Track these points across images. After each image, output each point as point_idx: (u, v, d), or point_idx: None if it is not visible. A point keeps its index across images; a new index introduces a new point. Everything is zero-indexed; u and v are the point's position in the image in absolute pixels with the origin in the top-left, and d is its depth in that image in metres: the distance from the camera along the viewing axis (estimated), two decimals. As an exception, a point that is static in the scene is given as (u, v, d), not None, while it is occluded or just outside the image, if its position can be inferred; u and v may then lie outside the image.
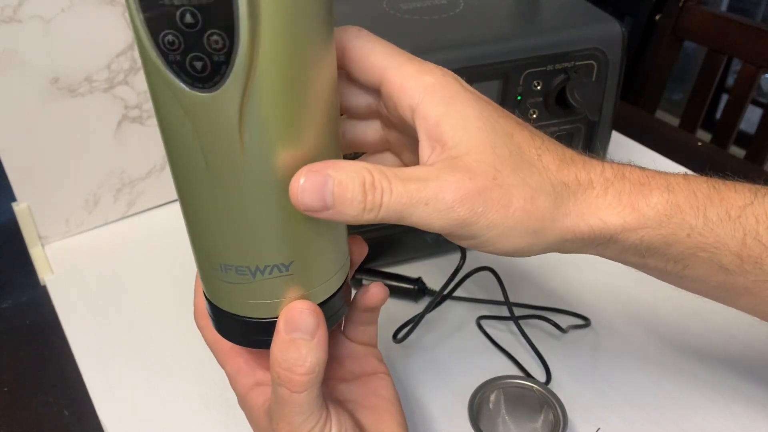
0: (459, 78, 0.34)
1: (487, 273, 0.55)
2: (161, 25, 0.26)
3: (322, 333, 0.33)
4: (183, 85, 0.27)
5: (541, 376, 0.52)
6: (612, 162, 0.36)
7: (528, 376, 0.52)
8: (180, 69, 0.27)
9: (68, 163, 0.64)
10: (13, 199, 0.63)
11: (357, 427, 0.37)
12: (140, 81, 0.63)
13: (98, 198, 0.67)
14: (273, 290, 0.32)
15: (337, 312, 0.36)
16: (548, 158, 0.33)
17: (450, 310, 0.58)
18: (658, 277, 0.39)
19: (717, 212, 0.35)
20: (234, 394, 0.47)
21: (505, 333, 0.56)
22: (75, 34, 0.58)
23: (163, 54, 0.26)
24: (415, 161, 0.34)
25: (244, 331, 0.34)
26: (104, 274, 0.63)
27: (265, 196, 0.30)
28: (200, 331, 0.39)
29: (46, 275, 0.63)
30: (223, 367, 0.39)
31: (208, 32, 0.26)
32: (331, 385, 0.40)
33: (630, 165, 0.36)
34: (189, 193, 0.31)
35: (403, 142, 0.37)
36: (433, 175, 0.31)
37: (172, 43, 0.26)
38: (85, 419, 0.51)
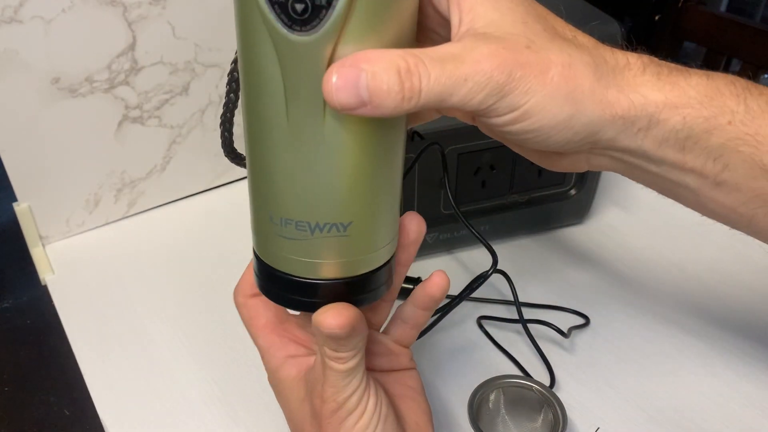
0: None
1: (478, 272, 0.55)
2: None
3: (360, 329, 0.34)
4: (281, 27, 0.27)
5: (544, 379, 0.52)
6: (650, 55, 0.35)
7: (528, 376, 0.52)
8: (281, 10, 0.27)
9: (69, 164, 0.64)
10: (14, 199, 0.63)
11: (388, 401, 0.38)
12: (140, 81, 0.63)
13: (99, 198, 0.67)
14: (327, 250, 0.33)
15: (380, 287, 0.36)
16: (583, 39, 0.33)
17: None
18: (694, 190, 0.35)
19: (758, 103, 0.33)
20: (235, 392, 0.48)
21: (505, 333, 0.56)
22: (75, 35, 0.58)
23: None
24: None
25: (291, 290, 0.35)
26: (105, 274, 0.63)
27: (340, 149, 0.30)
28: (238, 308, 0.40)
29: (46, 275, 0.63)
30: (255, 342, 0.40)
31: None
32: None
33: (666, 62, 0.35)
34: (263, 142, 0.31)
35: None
36: (466, 50, 0.30)
37: None
38: (85, 418, 0.51)
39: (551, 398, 0.46)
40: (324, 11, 0.27)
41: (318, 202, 0.32)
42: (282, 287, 0.35)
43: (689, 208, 0.37)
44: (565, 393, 0.48)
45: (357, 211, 0.32)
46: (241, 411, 0.50)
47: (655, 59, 0.34)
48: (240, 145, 0.37)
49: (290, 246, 0.33)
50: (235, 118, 0.38)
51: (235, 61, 0.36)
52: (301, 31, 0.27)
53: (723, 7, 1.98)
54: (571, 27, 0.34)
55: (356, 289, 0.35)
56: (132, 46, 0.61)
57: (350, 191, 0.32)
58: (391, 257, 0.36)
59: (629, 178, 0.37)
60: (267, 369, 0.40)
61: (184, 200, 0.73)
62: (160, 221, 0.70)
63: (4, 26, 0.55)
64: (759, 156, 0.33)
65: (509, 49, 0.30)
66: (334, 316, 0.33)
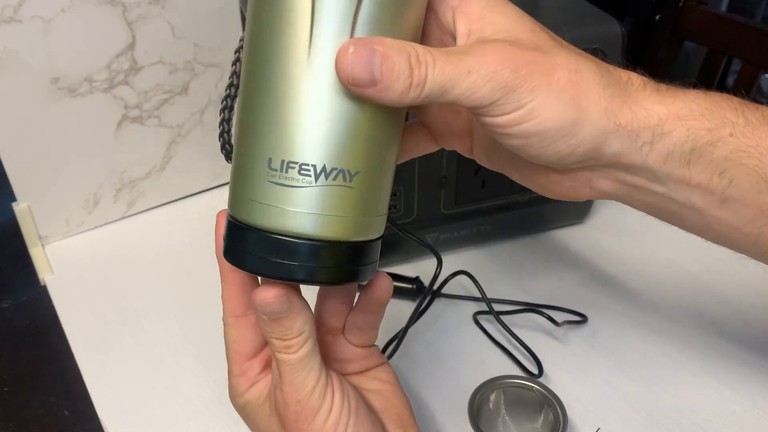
0: None
1: (478, 272, 0.55)
2: None
3: (296, 304, 0.33)
4: None
5: (536, 371, 0.52)
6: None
7: (523, 369, 0.52)
8: None
9: (68, 163, 0.64)
10: (13, 199, 0.63)
11: (359, 395, 0.37)
12: (140, 81, 0.63)
13: (98, 198, 0.67)
14: (330, 200, 0.31)
15: (375, 262, 0.34)
16: (587, 55, 0.33)
17: (447, 308, 0.58)
18: (699, 209, 0.35)
19: (755, 116, 0.34)
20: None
21: (503, 331, 0.56)
22: (75, 34, 0.58)
23: None
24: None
25: (280, 252, 0.31)
26: (104, 274, 0.63)
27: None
28: (225, 327, 0.37)
29: (46, 275, 0.63)
30: (229, 364, 0.38)
31: None
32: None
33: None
34: (273, 76, 0.30)
35: None
36: (473, 48, 0.30)
37: None
38: (85, 419, 0.51)
39: (551, 398, 0.46)
40: None
41: (330, 142, 0.30)
42: (268, 250, 0.31)
43: (693, 233, 0.37)
44: (565, 393, 0.48)
45: (366, 160, 0.31)
46: (240, 411, 0.50)
47: (653, 80, 0.35)
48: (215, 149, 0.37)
49: (288, 195, 0.30)
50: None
51: (238, 50, 0.35)
52: None
53: (723, 7, 1.98)
54: (574, 47, 0.34)
55: (355, 257, 0.32)
56: (131, 46, 0.61)
57: (365, 135, 0.31)
58: (382, 233, 0.34)
59: (633, 206, 0.37)
60: (232, 391, 0.38)
61: (184, 200, 0.73)
62: (159, 221, 0.70)
63: (4, 26, 0.55)
64: (763, 169, 0.33)
65: (516, 47, 0.30)
66: (268, 289, 0.32)
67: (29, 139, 0.61)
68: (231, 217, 0.33)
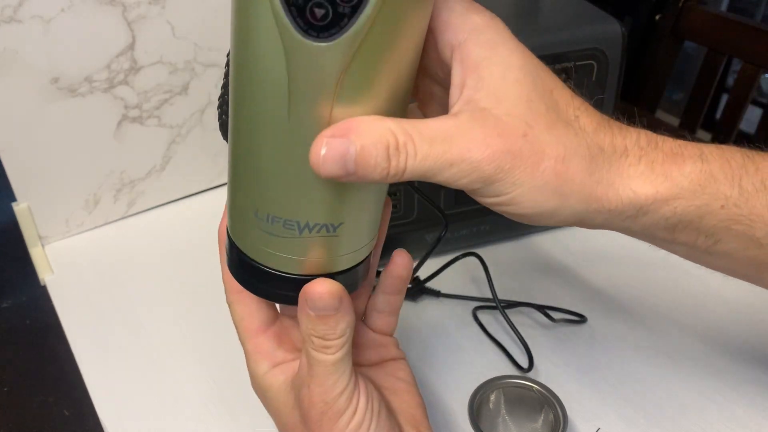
0: (504, 24, 0.32)
1: (479, 265, 0.55)
2: None
3: (345, 304, 0.33)
4: (295, 31, 0.26)
5: (527, 365, 0.52)
6: (647, 130, 0.34)
7: (515, 363, 0.52)
8: (298, 13, 0.25)
9: (68, 163, 0.64)
10: (13, 199, 0.63)
11: (381, 396, 0.38)
12: (140, 81, 0.63)
13: (98, 198, 0.67)
14: (313, 248, 0.32)
15: (360, 280, 0.36)
16: (585, 120, 0.32)
17: (446, 307, 0.58)
18: (684, 256, 0.37)
19: (752, 182, 0.33)
20: (235, 392, 0.47)
21: (504, 326, 0.56)
22: (75, 34, 0.58)
23: None
24: (441, 114, 0.34)
25: (273, 284, 0.34)
26: (104, 274, 0.63)
27: None
28: (229, 305, 0.38)
29: (46, 275, 0.63)
30: (243, 344, 0.39)
31: None
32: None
33: (663, 135, 0.35)
34: (256, 138, 0.30)
35: (431, 91, 0.35)
36: (459, 130, 0.29)
37: None
38: (85, 419, 0.51)
39: (552, 398, 0.46)
40: (346, 20, 0.25)
41: (310, 203, 0.31)
42: (260, 279, 0.34)
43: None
44: (565, 393, 0.48)
45: (349, 212, 0.32)
46: (241, 411, 0.50)
47: (653, 138, 0.34)
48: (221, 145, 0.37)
49: (275, 242, 0.32)
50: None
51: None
52: (318, 37, 0.26)
53: (723, 7, 1.98)
54: (576, 101, 0.33)
55: (341, 282, 0.34)
56: (131, 46, 0.61)
57: (346, 193, 0.31)
58: (372, 249, 0.36)
59: None
60: (251, 374, 0.39)
61: (184, 200, 0.73)
62: (159, 221, 0.70)
63: (4, 26, 0.55)
64: (752, 231, 0.34)
65: (504, 136, 0.29)
66: (323, 284, 0.32)
67: (29, 139, 0.61)
68: (230, 239, 0.35)
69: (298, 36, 0.26)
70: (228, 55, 0.33)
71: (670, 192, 0.33)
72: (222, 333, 0.56)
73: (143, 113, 0.65)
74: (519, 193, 0.30)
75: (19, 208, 0.63)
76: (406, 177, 0.29)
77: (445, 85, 0.32)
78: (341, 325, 0.33)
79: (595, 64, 0.56)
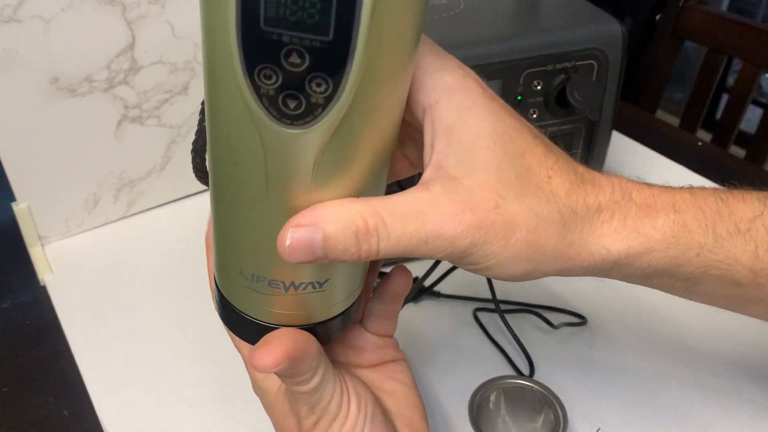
0: (479, 79, 0.32)
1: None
2: (261, 56, 0.24)
3: (301, 359, 0.32)
4: (268, 119, 0.25)
5: (535, 372, 0.52)
6: (621, 179, 0.34)
7: (515, 369, 0.52)
8: (270, 103, 0.25)
9: (68, 163, 0.64)
10: (13, 199, 0.63)
11: (376, 400, 0.37)
12: (140, 81, 0.63)
13: (98, 198, 0.67)
14: (300, 304, 0.32)
15: (349, 321, 0.36)
16: (558, 181, 0.32)
17: (447, 308, 0.58)
18: (664, 291, 0.38)
19: (726, 227, 0.34)
20: (235, 392, 0.47)
21: (503, 328, 0.56)
22: (75, 34, 0.58)
23: (255, 86, 0.24)
24: (418, 155, 0.33)
25: (257, 332, 0.34)
26: (104, 274, 0.63)
27: None
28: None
29: (45, 275, 0.63)
30: (239, 351, 0.39)
31: (312, 75, 0.24)
32: (349, 371, 0.40)
33: (639, 183, 0.35)
34: (237, 209, 0.30)
35: (408, 133, 0.35)
36: (431, 206, 0.29)
37: (269, 77, 0.24)
38: (85, 419, 0.51)
39: (551, 398, 0.46)
40: (320, 109, 0.25)
41: (296, 266, 0.30)
42: (248, 329, 0.34)
43: None
44: (565, 393, 0.48)
45: (335, 270, 0.32)
46: (241, 411, 0.50)
47: (627, 189, 0.34)
48: None
49: (261, 299, 0.32)
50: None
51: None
52: (291, 125, 0.25)
53: (723, 7, 1.98)
54: (550, 160, 0.32)
55: (328, 329, 0.34)
56: (131, 46, 0.61)
57: None
58: (362, 291, 0.36)
59: None
60: (250, 378, 0.39)
61: (184, 200, 0.72)
62: (159, 221, 0.70)
63: (3, 26, 0.55)
64: (730, 274, 0.34)
65: (475, 211, 0.29)
66: (264, 354, 0.31)
67: (29, 139, 0.61)
68: (217, 286, 0.35)
69: (271, 123, 0.25)
70: (202, 103, 0.32)
71: (643, 247, 0.33)
72: (222, 333, 0.56)
73: (143, 113, 0.65)
74: (492, 263, 0.31)
75: (19, 208, 0.63)
76: (382, 256, 0.29)
77: (420, 132, 0.32)
78: (303, 369, 0.33)
79: (595, 64, 0.56)
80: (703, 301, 0.38)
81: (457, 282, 0.60)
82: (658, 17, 1.27)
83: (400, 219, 0.29)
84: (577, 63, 0.55)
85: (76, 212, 0.67)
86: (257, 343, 0.32)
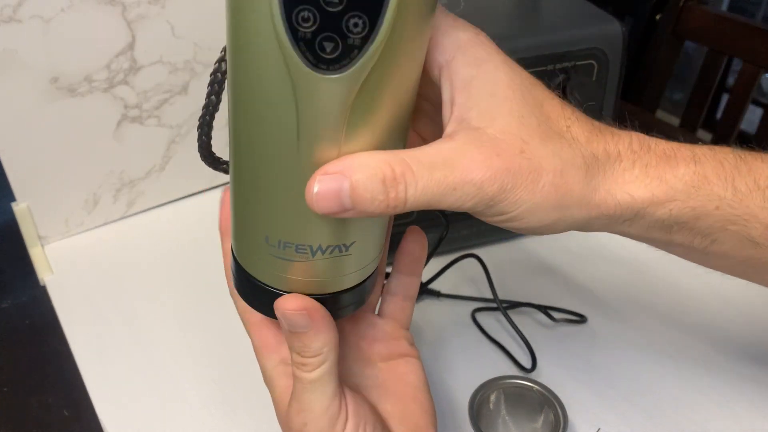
0: (489, 38, 0.32)
1: (479, 266, 0.55)
2: None
3: (320, 323, 0.33)
4: (304, 64, 0.25)
5: (530, 365, 0.52)
6: (639, 133, 0.35)
7: (517, 365, 0.52)
8: (307, 47, 0.25)
9: (68, 163, 0.64)
10: (13, 199, 0.63)
11: (378, 421, 0.37)
12: (140, 80, 0.63)
13: (98, 198, 0.67)
14: (327, 269, 0.32)
15: (366, 294, 0.36)
16: (577, 129, 0.32)
17: (447, 308, 0.58)
18: (681, 255, 0.37)
19: (746, 182, 0.34)
20: (235, 392, 0.47)
21: (504, 326, 0.56)
22: (75, 34, 0.58)
23: (293, 29, 0.25)
24: (432, 131, 0.33)
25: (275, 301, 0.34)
26: (103, 274, 0.63)
27: None
28: (234, 299, 0.38)
29: (45, 275, 0.63)
30: (250, 338, 0.39)
31: (350, 14, 0.24)
32: (358, 368, 0.40)
33: (656, 137, 0.35)
34: (265, 168, 0.29)
35: (420, 107, 0.35)
36: (458, 154, 0.29)
37: (306, 20, 0.24)
38: (84, 419, 0.51)
39: (552, 398, 0.46)
40: (356, 51, 0.25)
41: (323, 227, 0.30)
42: (268, 300, 0.33)
43: None
44: (565, 393, 0.48)
45: (361, 231, 0.32)
46: (241, 411, 0.50)
47: (646, 141, 0.34)
48: (217, 149, 0.36)
49: (287, 266, 0.32)
50: (214, 122, 0.36)
51: (219, 60, 0.33)
52: (327, 70, 0.25)
53: (724, 7, 1.98)
54: (567, 111, 0.33)
55: (348, 299, 0.34)
56: (131, 46, 0.61)
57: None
58: (379, 263, 0.36)
59: None
60: (260, 366, 0.39)
61: (184, 200, 0.72)
62: (159, 221, 0.70)
63: (3, 26, 0.55)
64: (747, 231, 0.34)
65: (502, 156, 0.30)
66: (293, 300, 0.32)
67: (29, 139, 0.61)
68: (235, 259, 0.34)
69: (307, 70, 0.25)
70: (212, 75, 0.33)
71: (665, 195, 0.33)
72: (222, 333, 0.56)
73: (143, 113, 0.65)
74: (521, 210, 0.31)
75: (19, 208, 0.63)
76: (410, 207, 0.29)
77: (433, 101, 0.32)
78: (315, 344, 0.33)
79: (595, 64, 0.56)
80: (720, 266, 0.38)
81: (457, 282, 0.60)
82: (658, 17, 1.27)
83: (428, 167, 0.29)
84: (577, 63, 0.55)
85: (76, 212, 0.67)
86: (285, 296, 0.33)
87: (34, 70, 0.58)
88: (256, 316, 0.38)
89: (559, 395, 0.46)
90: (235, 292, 0.37)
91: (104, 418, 0.50)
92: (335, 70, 0.26)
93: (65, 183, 0.64)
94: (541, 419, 0.47)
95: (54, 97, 0.60)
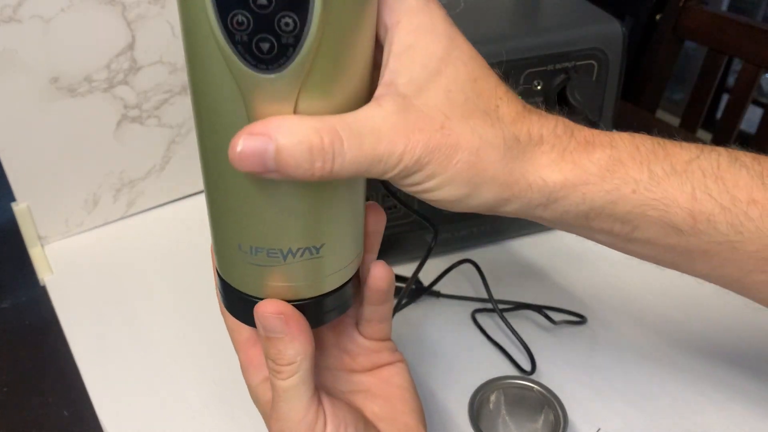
0: (440, 6, 0.32)
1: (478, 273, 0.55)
2: (232, 4, 0.25)
3: (295, 329, 0.33)
4: (245, 66, 0.26)
5: (530, 368, 0.52)
6: (565, 119, 0.35)
7: (517, 366, 0.52)
8: (245, 50, 0.26)
9: (68, 163, 0.64)
10: (13, 199, 0.63)
11: (360, 421, 0.37)
12: (140, 81, 0.63)
13: (98, 198, 0.67)
14: (300, 273, 0.33)
15: (350, 298, 0.36)
16: (505, 109, 0.32)
17: (446, 308, 0.58)
18: (606, 244, 0.37)
19: (662, 166, 0.34)
20: (235, 392, 0.47)
21: (504, 328, 0.56)
22: (75, 34, 0.58)
23: (230, 34, 0.26)
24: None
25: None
26: (103, 274, 0.63)
27: None
28: (223, 316, 0.39)
29: (45, 275, 0.63)
30: (238, 356, 0.39)
31: (280, 14, 0.26)
32: (343, 377, 0.40)
33: (581, 125, 0.35)
34: (224, 175, 0.30)
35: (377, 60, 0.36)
36: (385, 123, 0.29)
37: (240, 24, 0.26)
38: (84, 419, 0.51)
39: (552, 398, 0.46)
40: (291, 49, 0.26)
41: (288, 230, 0.31)
42: (246, 308, 0.34)
43: None
44: (565, 393, 0.48)
45: (329, 233, 0.32)
46: (240, 411, 0.50)
47: (570, 126, 0.34)
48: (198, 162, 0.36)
49: (262, 272, 0.33)
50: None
51: None
52: (267, 70, 0.27)
53: (724, 7, 1.98)
54: (500, 90, 0.33)
55: (328, 304, 0.35)
56: (131, 46, 0.61)
57: (321, 215, 0.31)
58: (357, 269, 0.36)
59: None
60: (246, 384, 0.39)
61: (183, 200, 0.72)
62: (159, 221, 0.70)
63: (3, 26, 0.55)
64: (669, 217, 0.34)
65: (423, 130, 0.30)
66: (270, 304, 0.33)
67: (29, 139, 0.61)
68: (217, 271, 0.35)
69: (249, 71, 0.27)
70: None
71: (578, 178, 0.33)
72: (222, 333, 0.56)
73: (143, 113, 0.65)
74: (432, 184, 0.31)
75: (19, 208, 0.63)
76: (336, 175, 0.29)
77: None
78: (290, 351, 0.33)
79: (595, 64, 0.56)
80: (647, 254, 0.37)
81: (457, 282, 0.60)
82: (658, 17, 1.27)
83: (357, 136, 0.29)
84: (577, 63, 0.55)
85: (75, 212, 0.67)
86: (263, 301, 0.33)
87: (34, 70, 0.58)
88: (243, 335, 0.38)
89: (559, 395, 0.46)
90: (222, 311, 0.38)
91: (104, 418, 0.50)
92: (275, 69, 0.27)
93: (65, 183, 0.64)
94: (541, 419, 0.47)
95: (54, 97, 0.60)
